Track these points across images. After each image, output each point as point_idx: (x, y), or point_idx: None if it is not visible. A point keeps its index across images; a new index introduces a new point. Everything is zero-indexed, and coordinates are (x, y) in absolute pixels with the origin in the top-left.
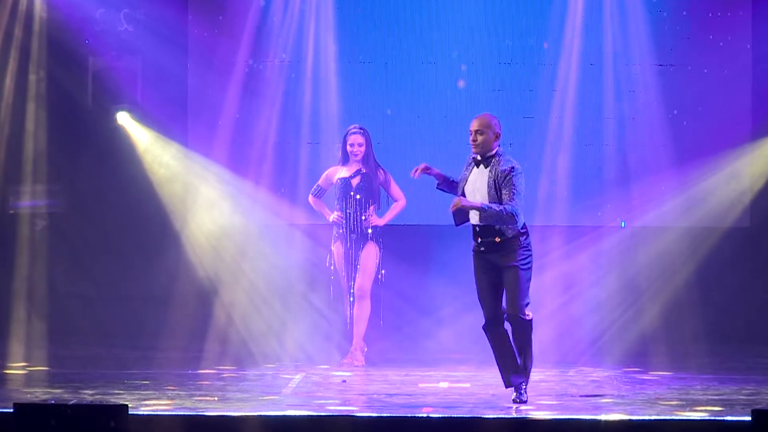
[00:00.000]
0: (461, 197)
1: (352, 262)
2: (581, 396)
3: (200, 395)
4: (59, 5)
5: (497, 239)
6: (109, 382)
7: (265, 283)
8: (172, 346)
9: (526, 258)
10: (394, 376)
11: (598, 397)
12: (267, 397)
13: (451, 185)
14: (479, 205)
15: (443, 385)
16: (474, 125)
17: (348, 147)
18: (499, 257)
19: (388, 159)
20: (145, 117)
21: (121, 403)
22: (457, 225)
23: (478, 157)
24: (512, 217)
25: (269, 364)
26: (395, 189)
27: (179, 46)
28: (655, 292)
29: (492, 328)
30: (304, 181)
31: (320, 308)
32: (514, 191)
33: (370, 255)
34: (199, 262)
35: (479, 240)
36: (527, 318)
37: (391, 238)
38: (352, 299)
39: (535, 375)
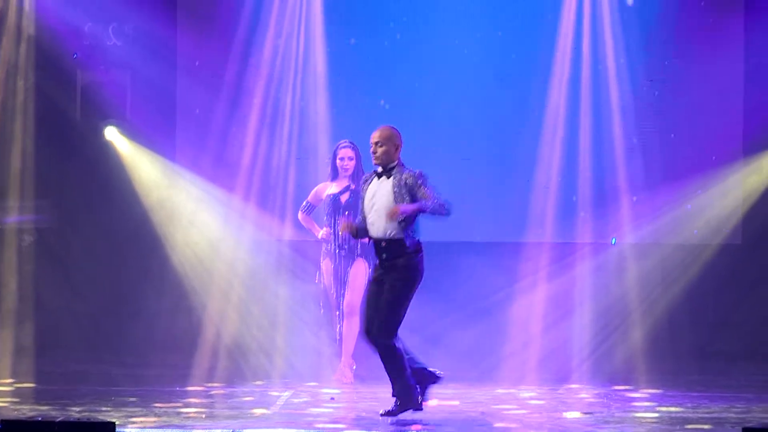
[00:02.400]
0: (400, 205)
1: (341, 279)
2: (571, 413)
3: (188, 412)
4: (47, 19)
5: (400, 258)
6: (97, 399)
7: (254, 299)
8: (160, 362)
9: (411, 278)
10: (384, 393)
11: (588, 415)
12: (255, 414)
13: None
14: (417, 206)
15: (432, 402)
16: (374, 137)
17: (338, 161)
18: (389, 269)
19: None
20: (133, 131)
21: (109, 420)
22: (357, 239)
23: (380, 169)
24: (445, 205)
25: (258, 380)
26: None
27: (168, 60)
28: (645, 309)
29: (368, 338)
30: (292, 196)
31: (309, 325)
32: (432, 190)
33: (360, 272)
34: (187, 277)
35: (383, 256)
36: (389, 343)
37: None
38: (341, 316)
39: (524, 392)
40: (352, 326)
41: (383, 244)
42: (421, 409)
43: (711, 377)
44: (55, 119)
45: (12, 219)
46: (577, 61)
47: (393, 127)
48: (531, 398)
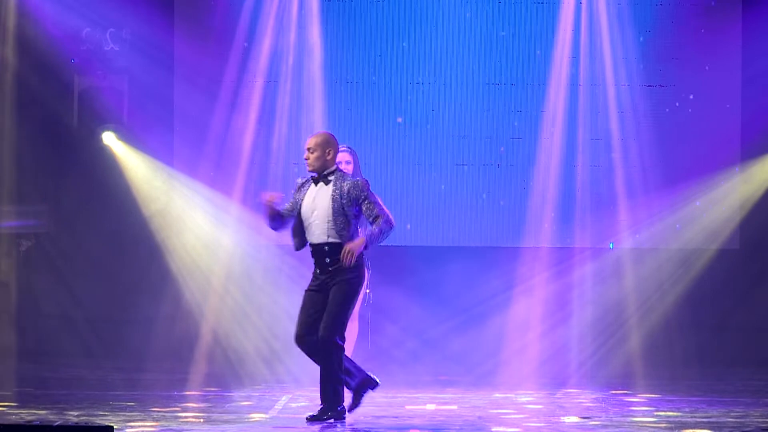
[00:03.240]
0: (348, 244)
1: None
2: (569, 418)
3: (186, 416)
4: (45, 24)
5: (335, 256)
6: (95, 404)
7: (251, 303)
8: (157, 367)
9: (358, 277)
10: (381, 397)
11: (585, 420)
12: (253, 419)
13: (277, 216)
14: (365, 240)
15: (430, 407)
16: (307, 143)
17: None
18: (333, 274)
19: (376, 180)
20: (130, 136)
21: (107, 424)
22: (297, 249)
23: (316, 175)
24: (391, 223)
25: (255, 385)
26: None
27: (165, 65)
28: (643, 314)
29: (300, 342)
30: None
31: None
32: (377, 202)
33: None
34: (185, 282)
35: (328, 260)
36: (339, 342)
37: (379, 259)
38: None
39: (522, 396)
40: (350, 331)
41: (326, 248)
42: (343, 418)
43: (709, 382)
44: (53, 124)
45: (10, 224)
46: (575, 67)
47: (327, 134)
48: (529, 403)
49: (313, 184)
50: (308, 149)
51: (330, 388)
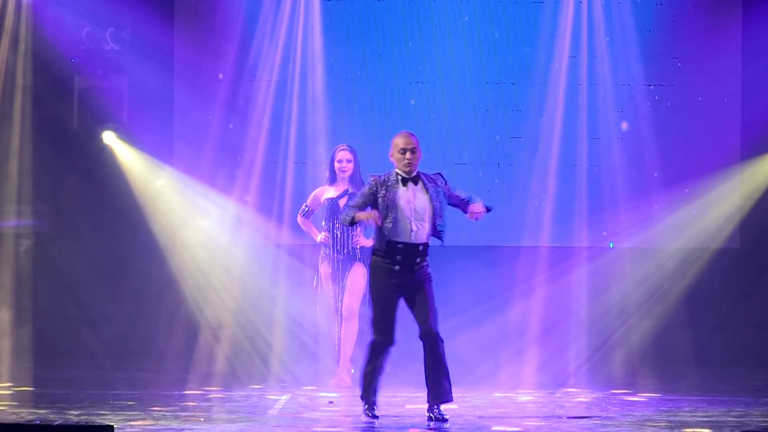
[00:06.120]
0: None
1: (339, 283)
2: (569, 417)
3: (186, 416)
4: (45, 24)
5: (426, 259)
6: (95, 403)
7: (251, 303)
8: (157, 367)
9: (430, 272)
10: (381, 397)
11: (585, 419)
12: (253, 418)
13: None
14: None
15: None
16: (412, 142)
17: (336, 164)
18: (413, 273)
19: None
20: (130, 136)
21: (107, 423)
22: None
23: (404, 175)
24: None
25: (255, 384)
26: None
27: (165, 65)
28: (644, 314)
29: (387, 347)
30: (290, 201)
31: (307, 329)
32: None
33: (358, 275)
34: (184, 282)
35: (418, 260)
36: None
37: None
38: (339, 320)
39: (522, 396)
40: (350, 330)
41: (421, 248)
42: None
43: (709, 381)
44: (53, 124)
45: (10, 223)
46: (575, 66)
47: None
48: (529, 402)
49: (401, 185)
50: (411, 150)
51: (446, 381)
